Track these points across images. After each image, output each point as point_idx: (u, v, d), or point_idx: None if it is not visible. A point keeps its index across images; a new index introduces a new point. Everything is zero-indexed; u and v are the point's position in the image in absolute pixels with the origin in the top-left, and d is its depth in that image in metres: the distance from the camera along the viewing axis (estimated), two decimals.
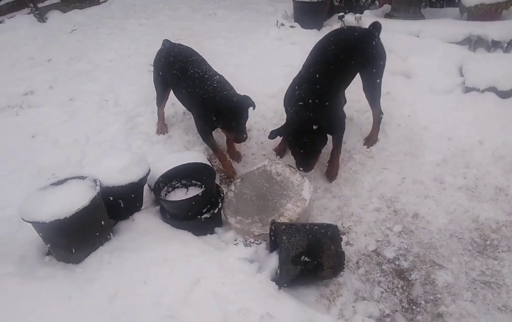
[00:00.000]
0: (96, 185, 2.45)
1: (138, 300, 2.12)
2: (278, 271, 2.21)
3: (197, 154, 3.23)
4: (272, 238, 2.44)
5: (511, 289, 2.28)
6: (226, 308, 2.05)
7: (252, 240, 2.53)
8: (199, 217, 2.57)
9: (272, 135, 3.04)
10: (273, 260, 2.29)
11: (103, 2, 9.33)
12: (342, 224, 2.82)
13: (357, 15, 5.86)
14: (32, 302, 2.12)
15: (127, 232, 2.60)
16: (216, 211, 2.64)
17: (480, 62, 4.46)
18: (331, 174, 3.20)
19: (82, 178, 2.55)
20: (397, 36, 5.32)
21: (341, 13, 6.11)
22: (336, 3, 7.07)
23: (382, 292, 2.31)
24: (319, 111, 2.87)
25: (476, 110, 3.99)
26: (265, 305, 2.04)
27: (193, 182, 2.89)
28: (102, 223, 2.48)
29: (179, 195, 2.83)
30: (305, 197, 2.66)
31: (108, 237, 2.53)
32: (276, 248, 2.42)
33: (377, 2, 7.15)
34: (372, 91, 3.47)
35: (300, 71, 3.34)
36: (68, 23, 7.91)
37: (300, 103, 2.94)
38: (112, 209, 2.61)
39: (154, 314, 2.04)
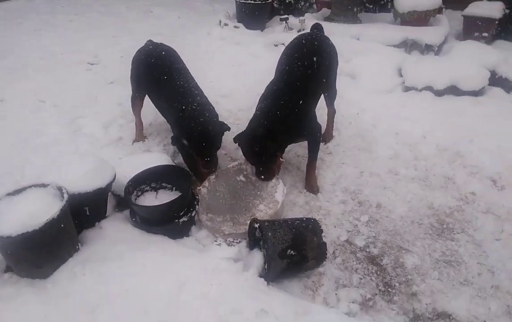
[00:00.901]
0: (63, 192, 2.29)
1: (123, 310, 2.03)
2: (266, 267, 2.25)
3: (160, 155, 3.14)
4: (252, 236, 2.48)
5: (468, 265, 2.57)
6: (218, 309, 2.05)
7: (235, 240, 2.53)
8: (176, 221, 2.52)
9: (234, 141, 3.07)
10: (257, 257, 2.33)
11: None
12: (312, 218, 2.93)
13: (301, 18, 6.10)
14: None
15: (97, 240, 2.47)
16: (193, 213, 2.61)
17: (417, 64, 4.91)
18: (311, 188, 3.17)
19: (43, 185, 2.37)
20: (339, 39, 5.62)
21: (285, 16, 6.31)
22: (276, 5, 7.26)
23: (361, 278, 2.47)
24: (274, 119, 2.87)
25: (416, 108, 4.40)
26: (257, 302, 2.07)
27: (163, 184, 2.82)
28: (70, 233, 2.33)
29: (149, 198, 2.75)
30: (278, 199, 2.74)
31: (77, 247, 2.38)
32: (255, 246, 2.47)
33: (315, 6, 7.48)
34: (331, 92, 3.66)
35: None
36: None
37: (257, 112, 2.99)
38: (76, 217, 2.45)
39: None
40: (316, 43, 3.42)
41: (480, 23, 5.93)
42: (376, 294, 2.38)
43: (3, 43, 6.17)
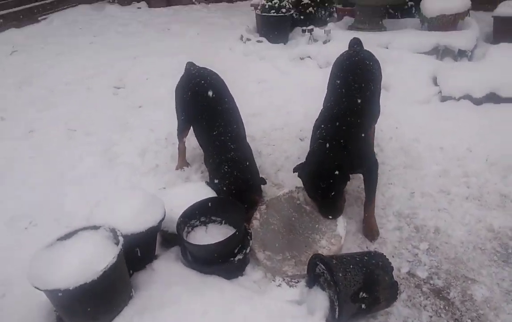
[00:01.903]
0: (117, 235, 2.20)
1: None
2: (337, 312, 2.11)
3: (203, 185, 3.03)
4: (312, 272, 2.35)
5: None
6: None
7: (293, 279, 2.40)
8: (231, 259, 2.41)
9: (294, 171, 2.91)
10: (320, 299, 2.19)
11: (42, 19, 8.70)
12: (366, 247, 2.80)
13: (326, 28, 5.99)
14: None
15: (150, 284, 2.36)
16: (248, 250, 2.49)
17: (452, 71, 4.75)
18: (370, 232, 2.82)
19: (95, 228, 2.28)
20: (367, 49, 5.52)
21: (310, 27, 6.20)
22: (295, 16, 7.14)
23: (431, 317, 2.31)
24: (340, 149, 2.69)
25: (457, 119, 4.24)
26: None
27: (212, 218, 2.72)
28: (125, 279, 2.24)
29: (199, 234, 2.64)
30: (340, 234, 2.59)
31: (131, 294, 2.28)
32: (314, 283, 2.34)
33: (335, 15, 7.36)
34: (376, 109, 3.48)
35: (322, 107, 3.22)
36: (7, 44, 7.27)
37: (320, 141, 2.79)
38: (128, 259, 2.34)
39: None
40: (367, 62, 3.30)
41: None
42: None
43: (28, 70, 6.18)
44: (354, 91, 2.99)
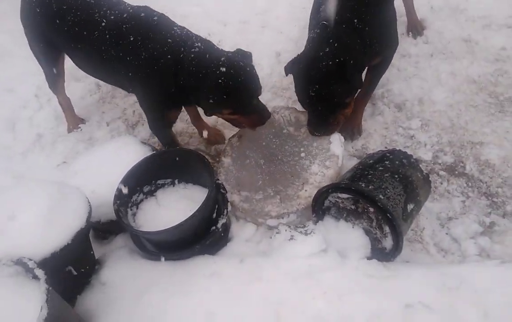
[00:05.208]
0: (32, 268, 1.39)
1: None
2: (392, 243, 1.66)
3: (126, 139, 2.23)
4: (320, 207, 1.84)
5: None
6: None
7: (310, 227, 1.79)
8: (213, 228, 1.76)
9: (285, 71, 2.15)
10: (355, 235, 1.72)
11: None
12: (352, 147, 2.38)
13: None
14: None
15: (109, 306, 1.64)
16: (229, 208, 1.85)
17: None
18: (352, 131, 2.33)
19: None
20: None
21: None
22: None
23: (463, 201, 2.03)
24: (350, 36, 1.97)
25: None
26: (393, 296, 1.52)
27: (158, 183, 1.98)
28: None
29: (150, 209, 1.91)
30: (336, 153, 2.04)
31: None
32: (322, 217, 1.85)
33: None
34: None
35: None
36: None
37: (323, 22, 2.01)
38: (59, 286, 1.55)
39: None
40: None
41: None
42: (490, 212, 1.97)
43: None
44: None
